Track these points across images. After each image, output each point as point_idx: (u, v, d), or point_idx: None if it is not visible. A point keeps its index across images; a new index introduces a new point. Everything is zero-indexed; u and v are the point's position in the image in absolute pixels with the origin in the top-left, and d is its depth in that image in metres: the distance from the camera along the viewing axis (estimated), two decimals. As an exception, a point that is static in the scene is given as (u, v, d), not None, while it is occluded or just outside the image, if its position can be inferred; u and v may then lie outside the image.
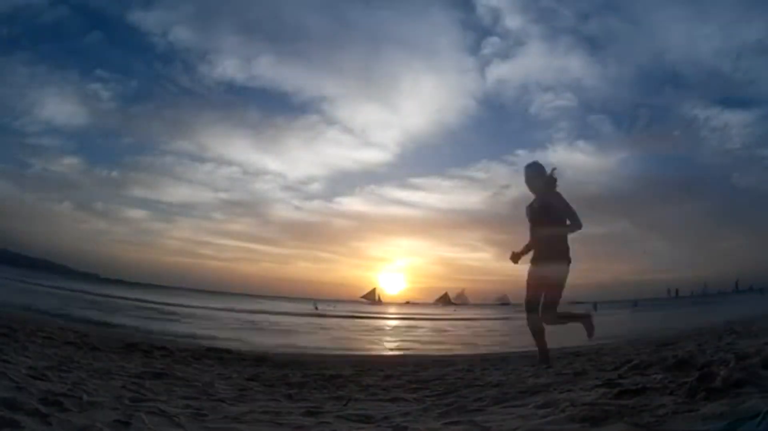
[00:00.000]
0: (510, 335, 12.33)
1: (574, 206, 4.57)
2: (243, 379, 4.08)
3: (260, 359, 5.88)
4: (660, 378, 2.72)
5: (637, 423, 1.89)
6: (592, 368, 4.00)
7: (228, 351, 6.27)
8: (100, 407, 2.30)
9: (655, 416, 1.93)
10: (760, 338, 5.20)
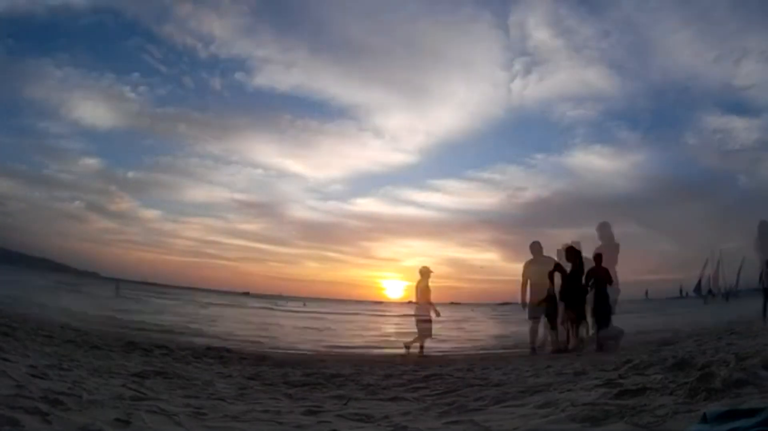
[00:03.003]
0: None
1: None
2: (243, 378, 4.09)
3: (260, 358, 5.88)
4: (660, 378, 2.72)
5: (637, 423, 1.89)
6: (592, 368, 4.00)
7: (228, 350, 6.27)
8: (100, 405, 2.30)
9: (655, 416, 1.93)
10: (759, 338, 5.20)
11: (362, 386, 3.83)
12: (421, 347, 8.13)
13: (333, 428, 2.32)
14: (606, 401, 2.31)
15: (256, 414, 2.58)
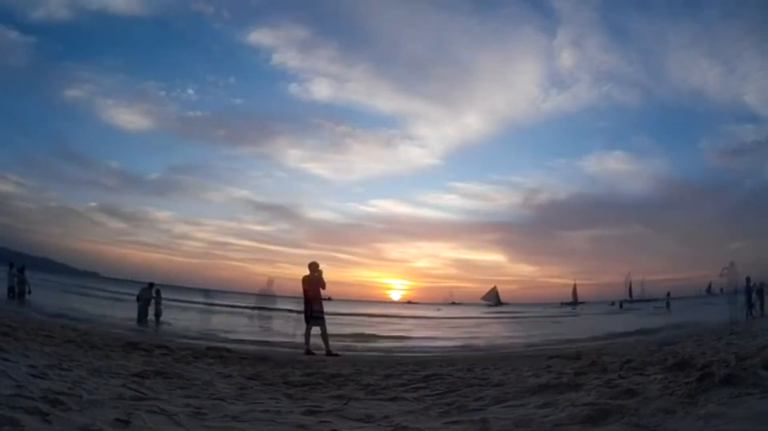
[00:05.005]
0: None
1: None
2: (243, 378, 4.08)
3: (260, 358, 5.88)
4: (660, 378, 2.72)
5: (637, 423, 1.89)
6: (592, 368, 4.00)
7: (228, 350, 6.27)
8: (100, 405, 2.30)
9: (655, 416, 1.93)
10: (759, 338, 5.20)
11: (362, 386, 3.82)
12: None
13: (333, 428, 2.32)
14: (606, 401, 2.31)
15: (256, 414, 2.57)
